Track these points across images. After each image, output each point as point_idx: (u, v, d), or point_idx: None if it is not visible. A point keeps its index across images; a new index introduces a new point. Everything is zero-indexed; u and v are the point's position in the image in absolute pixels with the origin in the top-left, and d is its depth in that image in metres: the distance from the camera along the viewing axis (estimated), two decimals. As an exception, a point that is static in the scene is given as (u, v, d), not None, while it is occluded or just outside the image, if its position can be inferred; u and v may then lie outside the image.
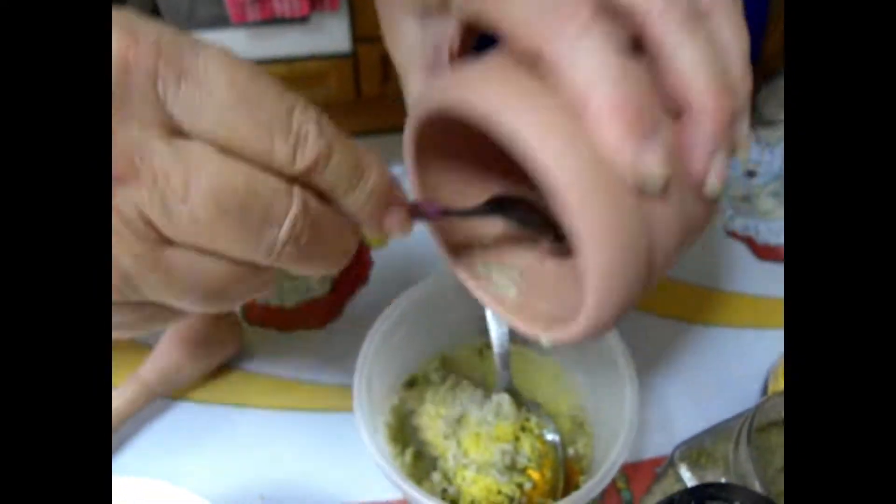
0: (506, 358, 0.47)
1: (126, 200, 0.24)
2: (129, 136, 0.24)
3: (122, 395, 0.50)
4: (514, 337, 0.51)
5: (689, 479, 0.41)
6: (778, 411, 0.41)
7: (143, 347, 0.53)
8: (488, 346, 0.52)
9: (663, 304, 0.59)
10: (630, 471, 0.51)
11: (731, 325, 0.59)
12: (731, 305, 0.60)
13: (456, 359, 0.53)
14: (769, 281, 0.61)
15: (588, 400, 0.50)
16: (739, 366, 0.56)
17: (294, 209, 0.26)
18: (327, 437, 0.52)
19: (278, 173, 0.26)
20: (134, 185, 0.24)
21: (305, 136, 0.26)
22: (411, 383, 0.51)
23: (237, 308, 0.29)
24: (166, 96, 0.24)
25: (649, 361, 0.56)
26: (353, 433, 0.49)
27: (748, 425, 0.38)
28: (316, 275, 0.31)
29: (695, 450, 0.42)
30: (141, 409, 0.51)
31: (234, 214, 0.25)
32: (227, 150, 0.25)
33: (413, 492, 0.40)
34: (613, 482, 0.50)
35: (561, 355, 0.51)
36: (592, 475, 0.42)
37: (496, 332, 0.46)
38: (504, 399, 0.48)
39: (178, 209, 0.24)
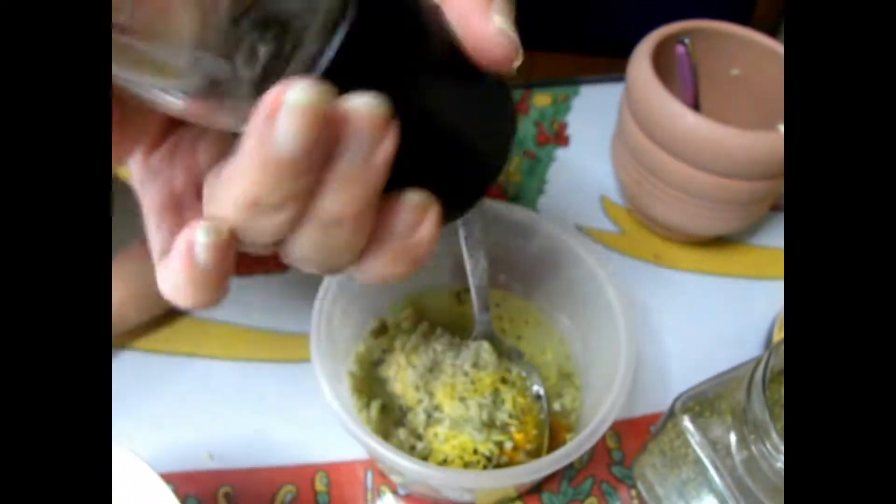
0: (485, 299, 0.41)
1: None
2: None
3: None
4: (494, 279, 0.46)
5: (692, 432, 0.36)
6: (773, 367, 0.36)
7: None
8: (466, 290, 0.46)
9: (657, 252, 0.54)
10: (622, 428, 0.46)
11: (732, 275, 0.54)
12: (732, 255, 0.55)
13: (429, 304, 0.47)
14: (772, 231, 0.56)
15: (577, 348, 0.45)
16: (740, 317, 0.51)
17: None
18: (285, 390, 0.46)
19: None
20: None
21: None
22: (380, 331, 0.45)
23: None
24: None
25: (641, 311, 0.51)
26: (314, 386, 0.44)
27: (763, 368, 0.33)
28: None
29: (697, 401, 0.37)
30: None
31: None
32: None
33: (378, 447, 0.35)
34: (604, 441, 0.45)
35: (548, 300, 0.46)
36: (581, 432, 0.37)
37: (474, 270, 0.40)
38: (483, 346, 0.43)
39: None
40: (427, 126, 0.25)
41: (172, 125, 0.28)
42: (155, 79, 0.21)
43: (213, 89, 0.22)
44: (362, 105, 0.21)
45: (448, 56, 0.26)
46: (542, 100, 0.63)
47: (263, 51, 0.21)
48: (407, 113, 0.23)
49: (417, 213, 0.25)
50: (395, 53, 0.23)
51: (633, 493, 0.44)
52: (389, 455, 0.34)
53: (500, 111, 0.30)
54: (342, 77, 0.21)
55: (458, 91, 0.27)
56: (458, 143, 0.27)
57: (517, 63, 0.26)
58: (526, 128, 0.61)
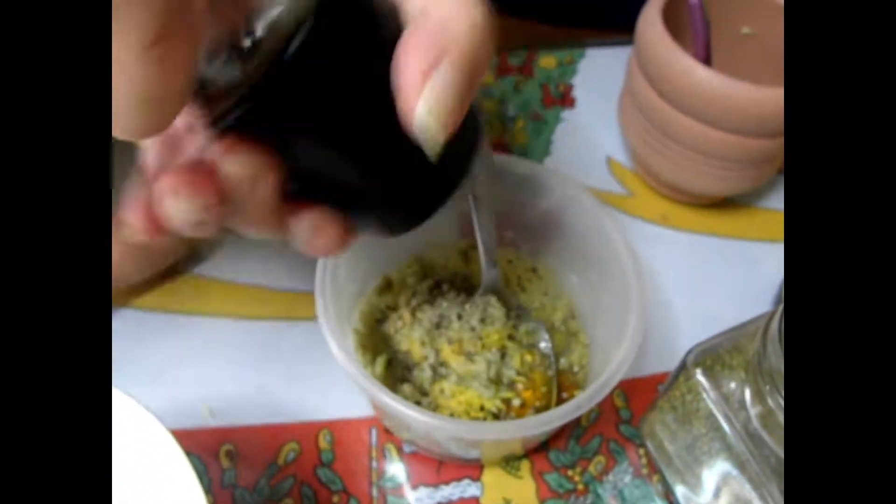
0: (493, 253, 0.40)
1: None
2: None
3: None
4: (501, 237, 0.45)
5: (705, 386, 0.36)
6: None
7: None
8: (473, 247, 0.46)
9: (664, 213, 0.54)
10: (629, 388, 0.45)
11: (739, 237, 0.53)
12: (740, 217, 0.54)
13: (435, 261, 0.46)
14: (780, 194, 0.56)
15: (584, 306, 0.44)
16: (747, 279, 0.51)
17: None
18: (287, 347, 0.46)
19: None
20: None
21: None
22: (385, 287, 0.45)
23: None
24: None
25: (648, 272, 0.50)
26: (316, 345, 0.43)
27: (780, 319, 0.32)
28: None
29: (709, 355, 0.36)
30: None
31: None
32: None
33: (386, 398, 0.34)
34: (612, 400, 0.45)
35: (556, 256, 0.45)
36: (591, 386, 0.36)
37: (481, 222, 0.39)
38: (490, 301, 0.42)
39: None
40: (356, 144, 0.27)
41: None
42: None
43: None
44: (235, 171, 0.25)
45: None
46: (547, 62, 0.62)
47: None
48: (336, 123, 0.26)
49: (311, 231, 0.29)
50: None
51: (642, 451, 0.43)
52: (397, 406, 0.34)
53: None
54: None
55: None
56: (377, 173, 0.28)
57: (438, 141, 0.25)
58: (531, 90, 0.60)
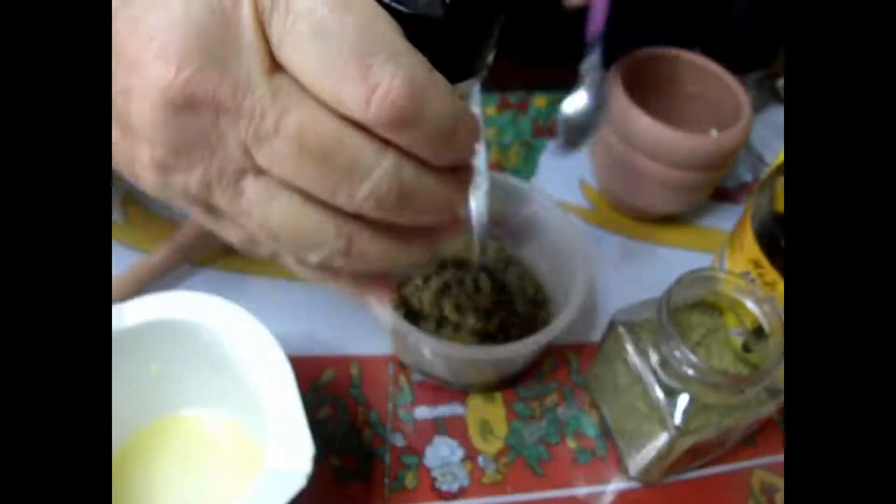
0: (485, 240, 0.56)
1: (229, 125, 0.25)
2: (236, 71, 0.25)
3: (156, 255, 0.59)
4: (492, 233, 0.61)
5: (627, 339, 0.51)
6: (684, 297, 0.51)
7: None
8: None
9: (619, 225, 0.70)
10: (578, 350, 0.61)
11: (675, 246, 0.69)
12: (678, 230, 0.70)
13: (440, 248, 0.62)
14: (709, 214, 0.72)
15: (549, 286, 0.60)
16: (662, 271, 0.65)
17: (380, 169, 0.26)
18: (327, 301, 0.61)
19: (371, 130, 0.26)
20: (236, 115, 0.25)
21: (379, 84, 0.24)
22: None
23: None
24: (270, 23, 0.25)
25: (601, 266, 0.66)
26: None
27: (668, 297, 0.48)
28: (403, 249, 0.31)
29: (628, 317, 0.52)
30: (170, 271, 0.60)
31: (317, 158, 0.25)
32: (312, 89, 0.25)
33: (409, 328, 0.50)
34: (566, 357, 0.61)
35: (531, 251, 0.61)
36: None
37: (478, 213, 0.55)
38: (481, 276, 0.58)
39: (268, 142, 0.26)
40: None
41: None
42: None
43: None
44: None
45: None
46: (540, 101, 0.78)
47: None
48: None
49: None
50: None
51: (585, 394, 0.59)
52: (419, 335, 0.50)
53: None
54: None
55: None
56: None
57: None
58: (525, 123, 0.77)
